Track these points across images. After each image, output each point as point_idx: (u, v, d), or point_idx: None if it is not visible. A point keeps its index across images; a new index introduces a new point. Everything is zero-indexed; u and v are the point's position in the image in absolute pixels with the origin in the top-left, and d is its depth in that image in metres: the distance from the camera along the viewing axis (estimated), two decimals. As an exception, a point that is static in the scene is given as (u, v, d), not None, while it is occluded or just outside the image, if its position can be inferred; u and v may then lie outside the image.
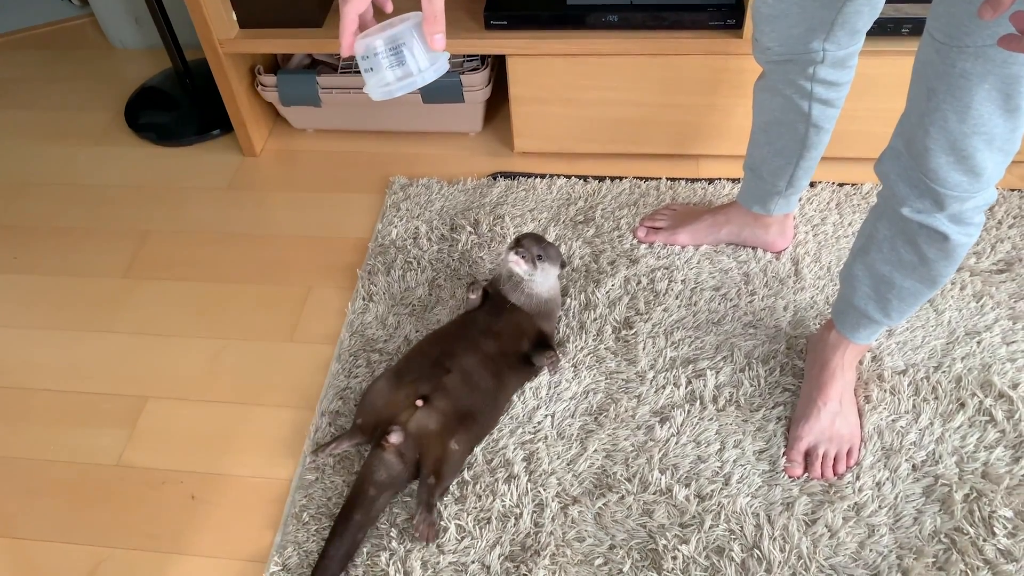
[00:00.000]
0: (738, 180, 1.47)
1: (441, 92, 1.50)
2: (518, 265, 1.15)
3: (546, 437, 1.13)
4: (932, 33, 0.76)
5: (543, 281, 1.18)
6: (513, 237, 1.25)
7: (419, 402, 1.06)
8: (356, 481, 1.05)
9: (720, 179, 1.48)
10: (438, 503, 1.06)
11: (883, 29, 1.28)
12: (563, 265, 1.24)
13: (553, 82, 1.43)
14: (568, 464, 1.10)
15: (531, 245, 1.17)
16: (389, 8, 0.79)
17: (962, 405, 1.12)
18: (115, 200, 1.57)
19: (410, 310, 1.30)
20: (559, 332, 1.25)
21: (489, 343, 1.14)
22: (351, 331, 1.28)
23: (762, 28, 1.01)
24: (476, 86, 1.49)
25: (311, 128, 1.67)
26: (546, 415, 1.15)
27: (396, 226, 1.44)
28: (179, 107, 1.75)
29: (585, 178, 1.50)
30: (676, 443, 1.11)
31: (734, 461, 1.09)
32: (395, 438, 1.04)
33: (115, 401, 1.24)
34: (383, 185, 1.54)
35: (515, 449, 1.12)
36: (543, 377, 1.19)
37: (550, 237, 1.39)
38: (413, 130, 1.63)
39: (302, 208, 1.52)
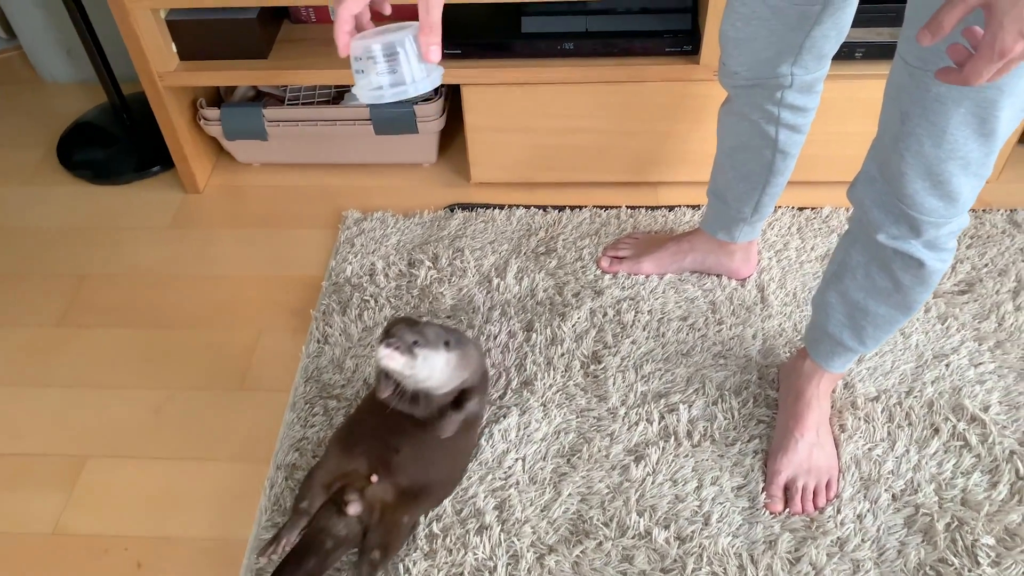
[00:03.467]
0: (698, 207, 1.46)
1: (394, 123, 1.45)
2: (392, 360, 0.95)
3: (517, 483, 1.08)
4: (904, 57, 0.74)
5: (431, 369, 0.99)
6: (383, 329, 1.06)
7: (373, 478, 1.00)
8: (314, 530, 0.98)
9: (680, 206, 1.46)
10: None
11: (837, 54, 1.28)
12: (448, 344, 1.02)
13: (509, 110, 1.40)
14: (542, 511, 1.05)
15: (403, 332, 0.97)
16: (387, 11, 0.76)
17: (936, 431, 1.11)
18: (48, 243, 1.47)
19: (369, 351, 1.24)
20: (525, 369, 1.20)
21: (427, 415, 1.03)
22: (306, 376, 1.22)
23: (729, 51, 0.99)
24: (430, 116, 1.44)
25: (257, 162, 1.60)
26: (516, 459, 1.10)
27: (351, 263, 1.38)
28: (116, 143, 1.66)
29: (544, 208, 1.47)
30: (652, 483, 1.07)
31: (713, 499, 1.06)
32: (354, 508, 0.97)
33: (50, 462, 1.15)
34: (335, 220, 1.48)
35: (485, 497, 1.06)
36: (512, 419, 1.14)
37: (511, 270, 1.34)
38: (365, 162, 1.57)
39: (250, 246, 1.45)
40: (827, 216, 1.43)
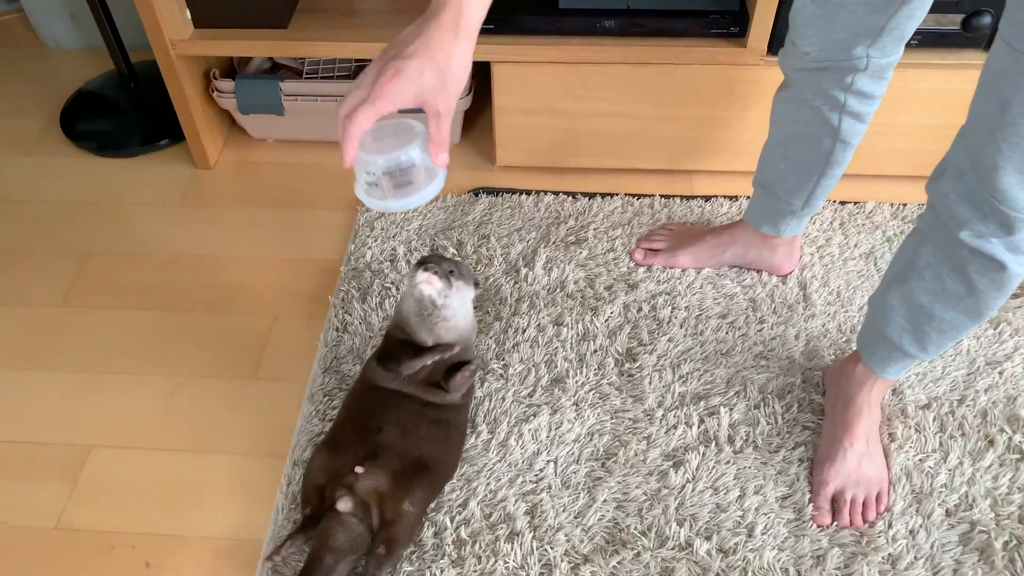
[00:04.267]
0: (736, 198, 1.39)
1: (418, 101, 1.37)
2: (430, 284, 0.96)
3: (550, 487, 1.02)
4: (1009, 41, 0.68)
5: (460, 306, 1.00)
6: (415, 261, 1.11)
7: (358, 468, 0.94)
8: (312, 548, 0.92)
9: (717, 196, 1.39)
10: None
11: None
12: (477, 284, 1.06)
13: (541, 91, 1.32)
14: (576, 517, 0.99)
15: (440, 261, 1.00)
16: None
17: (991, 442, 1.05)
18: (51, 218, 1.40)
19: (390, 342, 1.18)
20: (556, 365, 1.14)
21: (414, 387, 1.00)
22: (324, 367, 1.15)
23: (802, 31, 0.92)
24: (457, 95, 1.37)
25: (272, 138, 1.53)
26: (548, 461, 1.04)
27: (370, 247, 1.31)
28: (122, 114, 1.59)
29: (574, 194, 1.40)
30: (692, 490, 1.01)
31: (756, 509, 1.00)
32: (344, 505, 0.91)
33: (53, 451, 1.08)
34: (354, 201, 1.41)
35: (516, 502, 1.00)
36: (542, 418, 1.08)
37: (540, 260, 1.28)
38: (385, 141, 1.50)
39: (264, 227, 1.38)
40: (871, 211, 1.36)
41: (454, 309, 0.99)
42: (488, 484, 1.02)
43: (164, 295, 1.27)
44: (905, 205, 1.37)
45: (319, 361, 1.16)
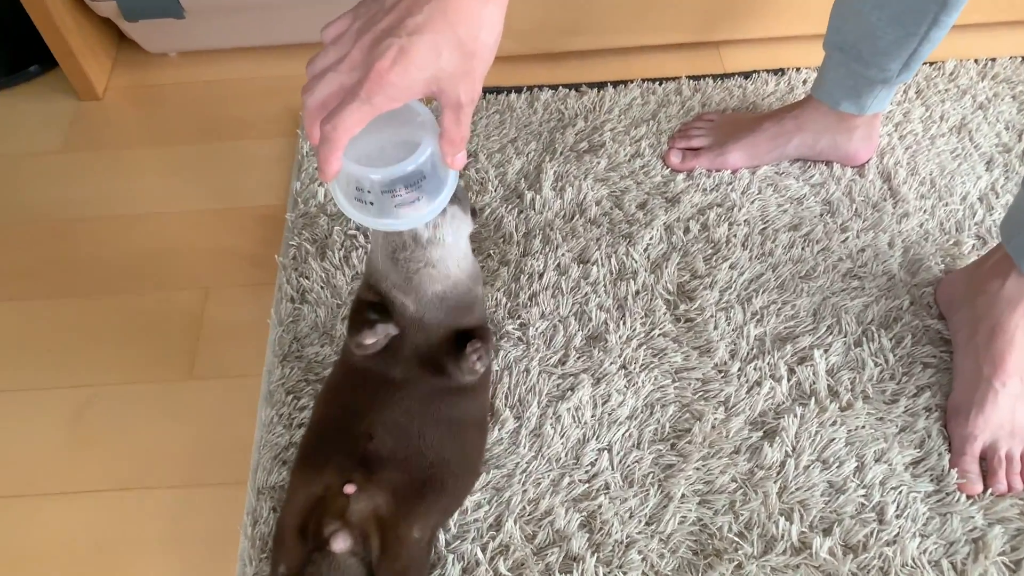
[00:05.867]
0: (782, 71, 1.09)
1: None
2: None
3: (607, 486, 0.76)
4: None
5: (455, 242, 0.71)
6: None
7: (348, 488, 0.66)
8: None
9: (758, 71, 1.10)
10: None
11: None
12: (474, 214, 0.79)
13: (523, -49, 0.99)
14: (649, 524, 0.74)
15: None
16: None
17: None
18: None
19: (366, 309, 0.88)
20: (590, 318, 0.86)
21: (406, 371, 0.71)
22: (281, 353, 0.86)
23: None
24: (411, -33, 1.03)
25: (174, 51, 1.18)
26: (599, 450, 0.78)
27: (321, 182, 1.00)
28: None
29: (578, 87, 1.09)
30: (795, 468, 0.76)
31: (882, 483, 0.75)
32: (340, 544, 0.65)
33: (-76, 511, 0.79)
34: (294, 123, 1.09)
35: (567, 512, 0.74)
36: (583, 391, 0.81)
37: (547, 178, 0.98)
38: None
39: (179, 170, 1.05)
40: (953, 72, 1.08)
41: (451, 240, 0.70)
42: (525, 492, 0.75)
43: (56, 277, 0.95)
44: (994, 61, 1.09)
45: (273, 346, 0.87)
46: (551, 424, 0.79)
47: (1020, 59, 1.09)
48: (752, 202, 0.95)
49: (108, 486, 0.80)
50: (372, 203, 0.58)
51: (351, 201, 0.60)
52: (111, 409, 0.85)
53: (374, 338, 0.70)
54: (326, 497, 0.67)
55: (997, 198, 0.95)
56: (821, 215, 0.94)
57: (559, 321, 0.86)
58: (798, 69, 1.09)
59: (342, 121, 0.50)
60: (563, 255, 0.91)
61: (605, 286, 0.89)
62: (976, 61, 1.09)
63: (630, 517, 0.74)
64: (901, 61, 0.83)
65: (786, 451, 0.77)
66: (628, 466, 0.77)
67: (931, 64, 1.08)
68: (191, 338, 0.89)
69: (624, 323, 0.86)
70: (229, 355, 0.88)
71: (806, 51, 1.09)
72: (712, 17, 1.10)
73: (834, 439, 0.78)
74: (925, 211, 0.94)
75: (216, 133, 1.09)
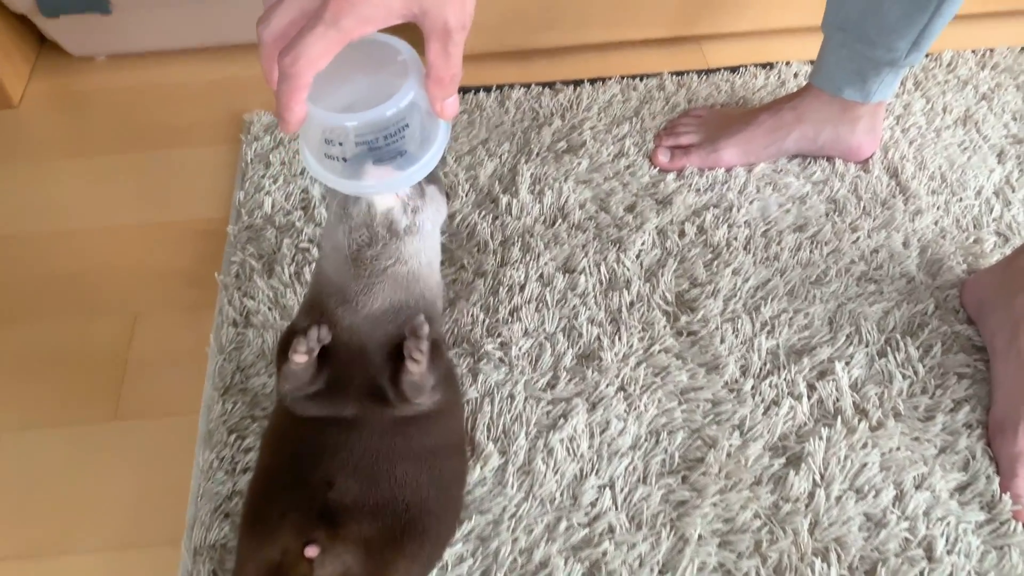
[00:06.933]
0: (771, 65, 1.01)
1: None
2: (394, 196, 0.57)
3: (611, 529, 0.65)
4: None
5: (432, 232, 0.62)
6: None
7: (310, 550, 0.54)
8: None
9: (745, 66, 1.02)
10: None
11: None
12: (449, 197, 0.72)
13: (489, -65, 0.90)
14: (662, 573, 0.63)
15: None
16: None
17: None
18: None
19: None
20: (580, 334, 0.75)
21: (359, 407, 0.59)
22: (223, 385, 0.73)
23: None
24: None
25: (101, 54, 1.06)
26: (600, 486, 0.67)
27: (269, 191, 0.89)
28: None
29: (552, 85, 1.00)
30: (826, 499, 0.66)
31: (927, 514, 0.65)
32: None
33: None
34: (235, 128, 0.97)
35: (566, 563, 0.63)
36: (577, 419, 0.70)
37: (523, 181, 0.88)
38: (269, 42, 1.06)
39: (103, 182, 0.93)
40: (951, 63, 1.01)
41: (423, 238, 0.59)
42: (516, 540, 0.64)
43: (-44, 305, 0.82)
44: (992, 51, 1.03)
45: (213, 378, 0.74)
46: (542, 458, 0.68)
47: (1020, 49, 1.03)
48: (751, 202, 0.86)
49: (19, 551, 0.66)
50: (345, 159, 0.48)
51: (319, 158, 0.49)
52: (22, 458, 0.71)
53: (307, 347, 0.57)
54: (283, 564, 0.54)
55: (1014, 192, 0.87)
56: (827, 214, 0.86)
57: (545, 338, 0.75)
58: (788, 63, 1.01)
59: (305, 51, 0.40)
60: (546, 264, 0.81)
61: (595, 297, 0.78)
62: (974, 51, 1.02)
63: (640, 565, 0.63)
64: (910, 39, 0.75)
65: (814, 480, 0.67)
66: (634, 505, 0.66)
67: (927, 55, 1.02)
68: (116, 371, 0.76)
69: (619, 339, 0.75)
70: (161, 390, 0.75)
71: (797, 45, 1.02)
72: (693, 9, 1.02)
73: (867, 464, 0.68)
74: (939, 207, 0.86)
75: (147, 141, 0.97)
